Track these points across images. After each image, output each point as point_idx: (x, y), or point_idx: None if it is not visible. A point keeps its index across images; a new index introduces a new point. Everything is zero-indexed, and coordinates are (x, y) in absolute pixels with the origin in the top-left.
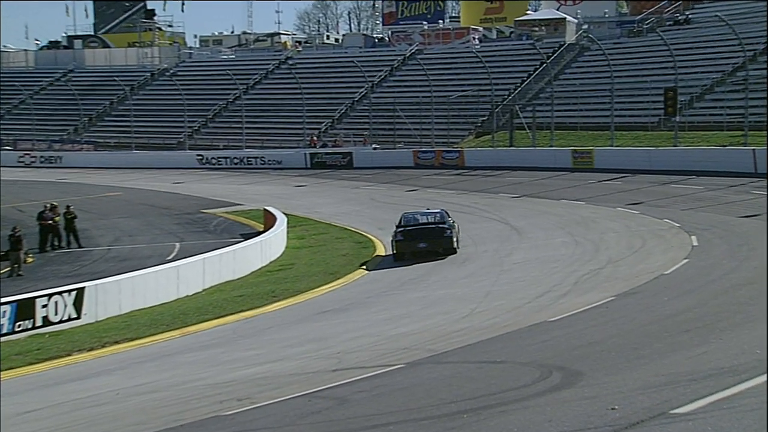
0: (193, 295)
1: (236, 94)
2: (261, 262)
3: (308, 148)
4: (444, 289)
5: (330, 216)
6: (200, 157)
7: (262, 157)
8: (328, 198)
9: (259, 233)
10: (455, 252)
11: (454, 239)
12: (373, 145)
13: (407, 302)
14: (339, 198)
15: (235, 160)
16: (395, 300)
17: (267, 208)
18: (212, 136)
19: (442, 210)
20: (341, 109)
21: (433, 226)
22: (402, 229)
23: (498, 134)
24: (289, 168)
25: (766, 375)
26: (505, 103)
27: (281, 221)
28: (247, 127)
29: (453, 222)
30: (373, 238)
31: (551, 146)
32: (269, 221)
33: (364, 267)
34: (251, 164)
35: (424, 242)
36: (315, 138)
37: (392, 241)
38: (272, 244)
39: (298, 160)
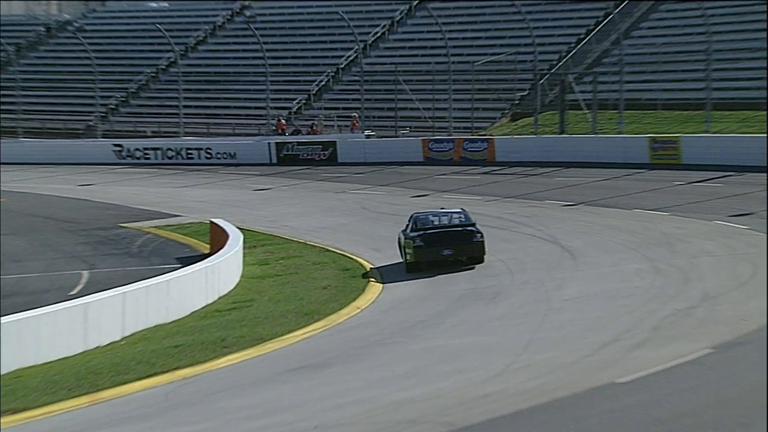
0: (108, 345)
1: (170, 58)
2: (206, 299)
3: (274, 136)
4: (466, 336)
5: (305, 232)
6: (119, 149)
7: (208, 148)
8: (302, 206)
9: (204, 257)
10: (482, 261)
11: (485, 245)
12: (366, 132)
13: (414, 355)
14: (318, 206)
15: (170, 153)
16: (396, 351)
17: (215, 221)
18: (136, 118)
19: (463, 209)
20: (320, 81)
21: (460, 229)
22: (421, 233)
23: (543, 116)
24: (246, 164)
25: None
26: (553, 72)
27: (235, 240)
28: (186, 106)
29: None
30: (365, 262)
31: (620, 133)
32: (218, 240)
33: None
34: (192, 158)
35: (449, 249)
36: (283, 121)
37: (404, 248)
38: (222, 272)
39: (260, 152)
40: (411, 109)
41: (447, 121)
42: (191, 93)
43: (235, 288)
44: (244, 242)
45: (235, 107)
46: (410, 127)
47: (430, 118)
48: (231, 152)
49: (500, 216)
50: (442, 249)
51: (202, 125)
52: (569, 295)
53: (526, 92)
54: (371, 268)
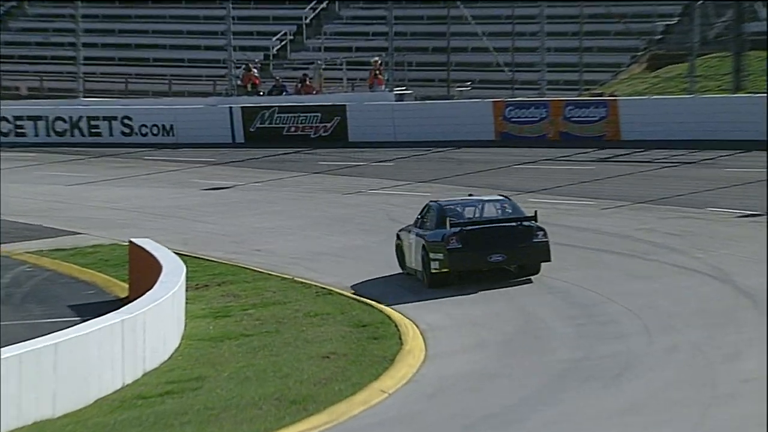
0: None
1: None
2: (123, 376)
3: (239, 97)
4: None
5: (291, 260)
6: None
7: (127, 117)
8: (286, 217)
9: (119, 304)
10: (539, 270)
11: (550, 249)
12: (397, 90)
13: None
14: (313, 217)
15: (61, 126)
16: None
17: (137, 242)
18: (3, 63)
19: (507, 197)
20: (315, 4)
21: (515, 224)
22: (459, 229)
23: (703, 62)
24: (192, 144)
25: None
26: None
27: (172, 274)
28: (88, 45)
29: None
30: (396, 313)
31: None
32: (142, 274)
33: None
34: (100, 135)
35: (499, 253)
36: (255, 72)
37: (422, 254)
38: (150, 329)
39: (216, 124)
40: (475, 50)
41: (537, 71)
42: (95, 22)
43: (172, 357)
44: (188, 279)
45: (173, 47)
46: (473, 82)
47: (506, 66)
48: (166, 124)
49: (629, 234)
50: (489, 253)
51: (115, 79)
52: (749, 371)
53: (675, 20)
54: (406, 325)
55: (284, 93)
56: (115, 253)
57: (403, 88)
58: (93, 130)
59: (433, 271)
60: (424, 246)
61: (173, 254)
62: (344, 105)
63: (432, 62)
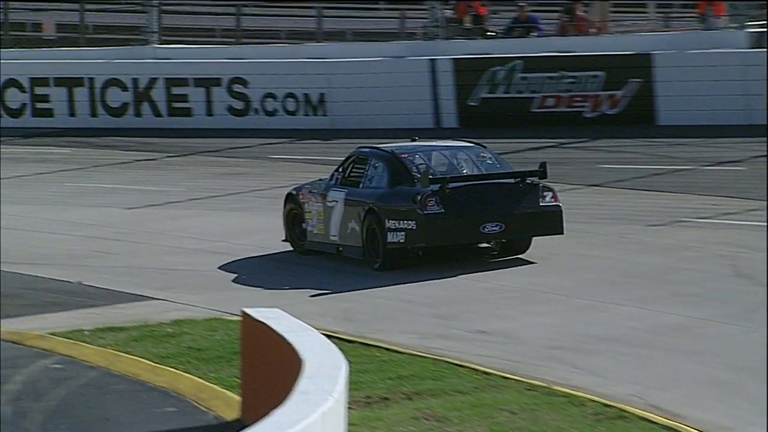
0: None
1: None
2: None
3: (446, 41)
4: None
5: (548, 352)
6: None
7: (238, 79)
8: (543, 267)
9: None
10: (527, 248)
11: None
12: (754, 25)
13: None
14: (596, 267)
15: (116, 96)
16: None
17: (253, 313)
18: None
19: (479, 143)
20: None
21: (513, 181)
22: (438, 187)
23: None
24: (358, 130)
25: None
26: None
27: (324, 376)
28: None
29: None
30: None
31: None
32: (263, 376)
33: None
34: (188, 112)
35: (496, 221)
36: None
37: (381, 221)
38: None
39: (406, 93)
40: None
41: None
42: None
43: None
44: (353, 386)
45: None
46: None
47: None
48: (311, 93)
49: None
50: (482, 221)
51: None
52: None
53: None
54: None
55: (535, 33)
56: (215, 336)
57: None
58: (175, 105)
59: (393, 244)
60: (371, 210)
61: (323, 338)
62: (649, 55)
63: None
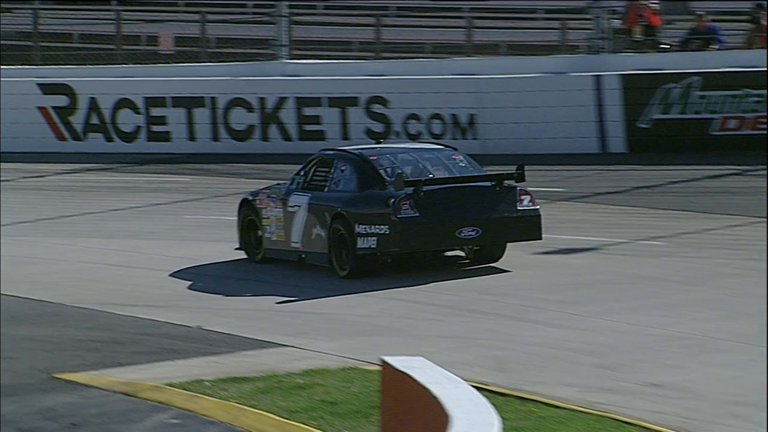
0: None
1: None
2: None
3: (612, 55)
4: None
5: (731, 410)
6: None
7: (378, 98)
8: (722, 312)
9: None
10: (501, 256)
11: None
12: None
13: None
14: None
15: (241, 118)
16: None
17: (394, 362)
18: None
19: (451, 146)
20: None
21: (489, 184)
22: (412, 190)
23: None
24: (514, 155)
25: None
26: None
27: None
28: None
29: None
30: None
31: None
32: None
33: None
34: (321, 135)
35: (472, 225)
36: (648, 3)
37: (350, 226)
38: None
39: (566, 114)
40: None
41: None
42: None
43: None
44: None
45: None
46: None
47: None
48: (460, 114)
49: None
50: (458, 226)
51: (356, 18)
52: None
53: None
54: None
55: (715, 45)
56: (350, 388)
57: None
58: (307, 127)
59: (364, 250)
60: (339, 214)
61: (473, 390)
62: None
63: None
